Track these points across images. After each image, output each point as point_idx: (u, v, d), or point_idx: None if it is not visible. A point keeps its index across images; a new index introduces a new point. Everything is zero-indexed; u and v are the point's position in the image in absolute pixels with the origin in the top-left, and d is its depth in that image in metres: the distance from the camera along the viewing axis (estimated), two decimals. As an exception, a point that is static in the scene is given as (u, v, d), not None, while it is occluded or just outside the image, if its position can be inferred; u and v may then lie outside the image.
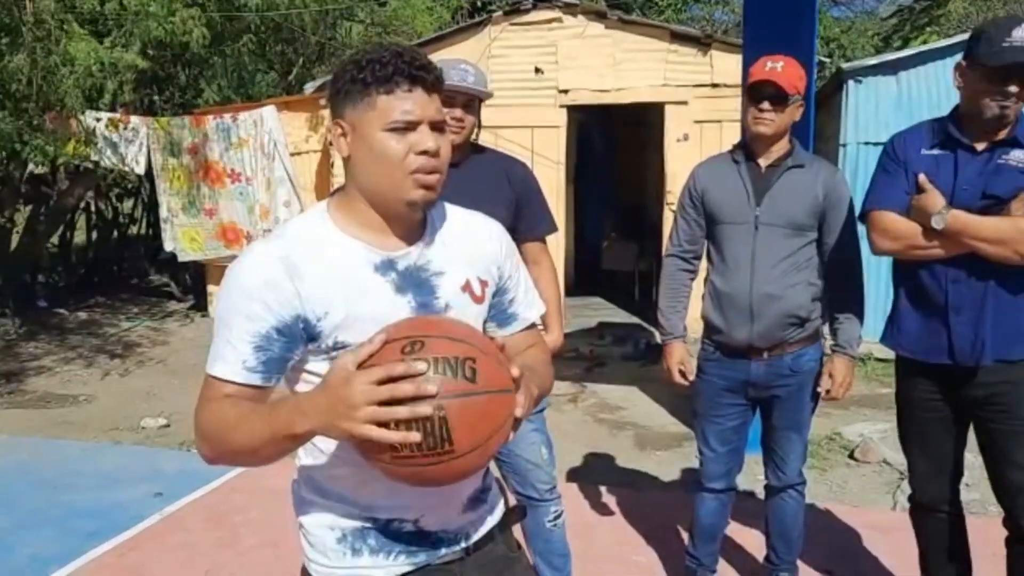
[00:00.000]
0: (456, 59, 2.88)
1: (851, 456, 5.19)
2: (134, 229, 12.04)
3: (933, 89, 7.83)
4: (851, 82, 8.06)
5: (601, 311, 9.94)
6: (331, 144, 8.57)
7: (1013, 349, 2.47)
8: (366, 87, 1.38)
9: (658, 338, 3.11)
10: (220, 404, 1.39)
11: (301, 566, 1.56)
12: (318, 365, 1.44)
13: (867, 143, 8.01)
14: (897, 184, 2.57)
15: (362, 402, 1.19)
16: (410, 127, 1.39)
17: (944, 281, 2.49)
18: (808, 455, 5.07)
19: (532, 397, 1.38)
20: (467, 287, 1.54)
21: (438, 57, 6.76)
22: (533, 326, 1.72)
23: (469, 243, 1.58)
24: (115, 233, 11.64)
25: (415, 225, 1.51)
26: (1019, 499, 2.53)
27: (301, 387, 1.47)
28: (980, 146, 2.47)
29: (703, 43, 8.16)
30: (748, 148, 2.90)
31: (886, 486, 4.71)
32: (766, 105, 2.78)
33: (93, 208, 11.12)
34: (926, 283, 2.54)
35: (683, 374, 3.01)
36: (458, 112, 2.68)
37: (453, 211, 1.63)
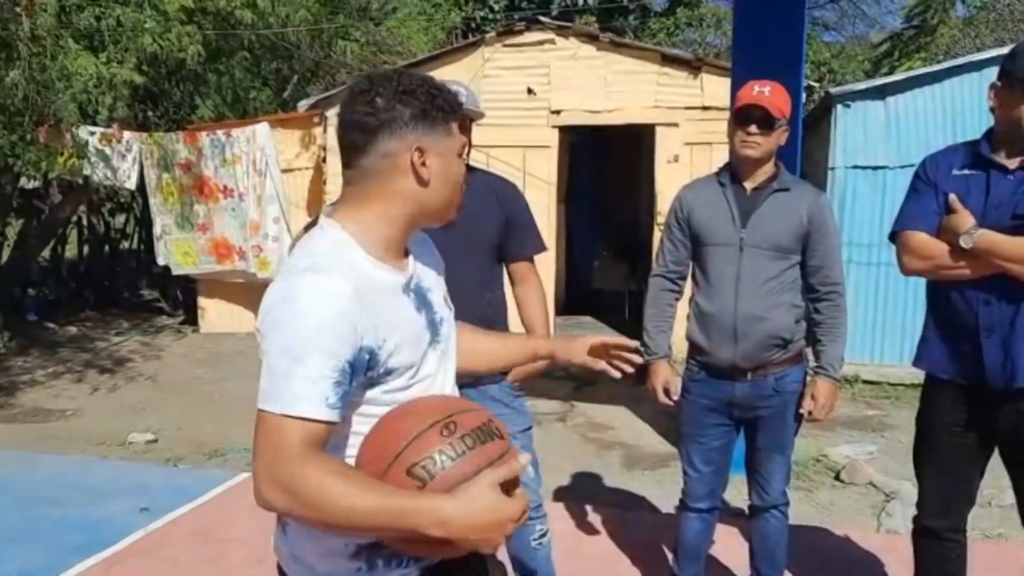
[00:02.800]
0: (449, 80, 2.92)
1: (837, 477, 5.22)
2: (126, 244, 12.05)
3: (920, 114, 7.91)
4: (839, 106, 8.14)
5: (592, 330, 9.96)
6: (323, 161, 8.60)
7: None
8: (446, 115, 1.49)
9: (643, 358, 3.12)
10: (311, 463, 1.30)
11: None
12: (356, 391, 1.42)
13: (855, 167, 8.09)
14: (927, 204, 2.58)
15: (511, 519, 1.32)
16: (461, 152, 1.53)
17: (975, 302, 2.49)
18: (794, 476, 5.13)
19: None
20: (446, 300, 1.64)
21: (433, 76, 6.75)
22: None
23: (429, 256, 1.66)
24: (107, 248, 11.64)
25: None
26: None
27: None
28: (1012, 165, 2.47)
29: (694, 66, 8.25)
30: (734, 171, 2.94)
31: (871, 508, 4.73)
32: (753, 129, 2.82)
33: (85, 223, 11.12)
34: (957, 304, 2.54)
35: (668, 394, 3.03)
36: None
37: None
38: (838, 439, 6.05)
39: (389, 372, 1.43)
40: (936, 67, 8.39)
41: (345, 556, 1.45)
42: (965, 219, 2.45)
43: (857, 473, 5.18)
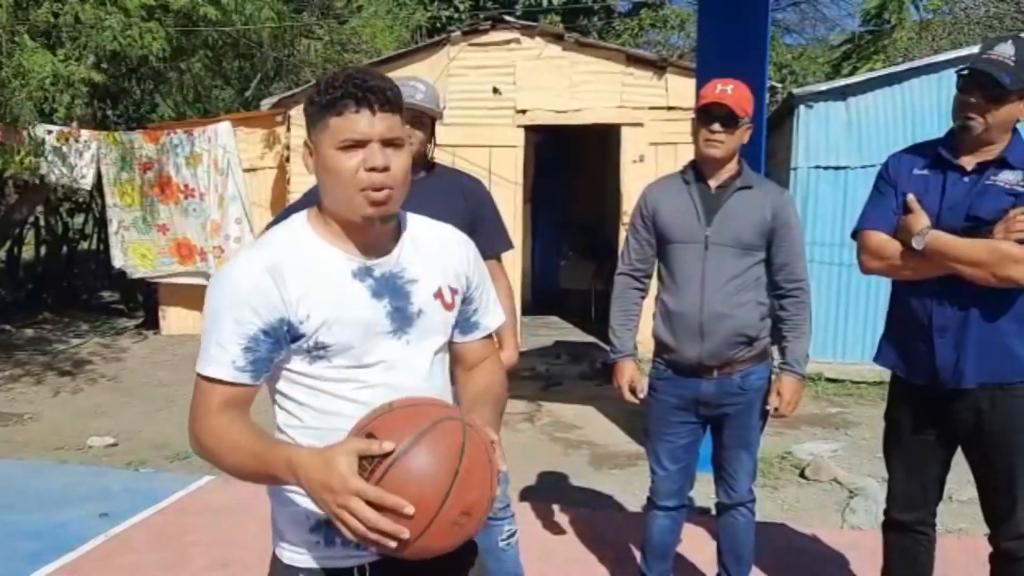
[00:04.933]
0: (408, 76, 2.89)
1: (802, 475, 5.26)
2: (85, 245, 11.83)
3: (881, 114, 8.02)
4: (802, 107, 8.22)
5: (558, 330, 9.98)
6: (287, 160, 8.54)
7: (996, 373, 2.48)
8: (321, 109, 1.49)
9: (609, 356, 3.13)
10: (217, 419, 1.48)
11: (272, 553, 1.60)
12: (299, 364, 1.54)
13: (817, 167, 8.17)
14: (887, 204, 2.60)
15: (347, 491, 1.29)
16: (359, 145, 1.47)
17: (929, 303, 2.52)
18: (760, 474, 5.16)
19: (498, 429, 1.58)
20: (439, 295, 1.62)
21: (394, 76, 6.73)
22: (489, 336, 1.80)
23: (441, 252, 1.66)
24: (65, 248, 11.43)
25: (389, 234, 1.59)
26: (1005, 525, 2.57)
27: (282, 384, 1.56)
28: (968, 166, 2.49)
29: (658, 67, 8.29)
30: (698, 169, 2.95)
31: (836, 504, 4.77)
32: (716, 127, 2.83)
33: (43, 223, 10.91)
34: (912, 304, 2.57)
35: (634, 392, 3.03)
36: (405, 128, 2.68)
37: (424, 222, 1.71)
38: (803, 437, 6.09)
39: (324, 347, 1.50)
40: (895, 69, 8.50)
41: (306, 528, 1.54)
42: (919, 220, 2.48)
43: (821, 470, 5.22)
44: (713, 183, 2.91)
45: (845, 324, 7.81)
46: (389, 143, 1.48)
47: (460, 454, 1.33)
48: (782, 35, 20.88)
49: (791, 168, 8.36)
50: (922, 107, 7.76)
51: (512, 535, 2.93)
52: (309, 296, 1.49)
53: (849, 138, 7.99)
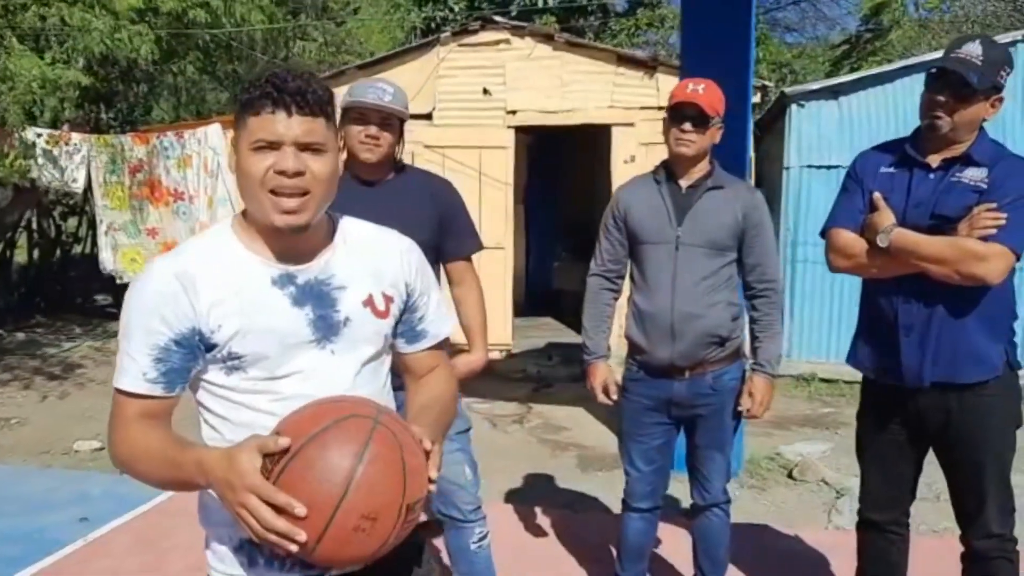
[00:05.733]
0: (376, 78, 2.89)
1: (790, 475, 5.24)
2: (78, 248, 11.81)
3: (874, 113, 7.99)
4: (794, 106, 8.20)
5: (551, 331, 9.96)
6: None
7: (961, 372, 2.46)
8: (242, 109, 1.45)
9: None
10: (131, 429, 1.45)
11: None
12: (216, 375, 1.49)
13: (810, 166, 8.16)
14: (854, 203, 2.59)
15: (246, 488, 1.26)
16: (272, 147, 1.42)
17: (895, 301, 2.50)
18: (747, 474, 5.17)
19: (440, 442, 1.50)
20: (369, 302, 1.56)
21: (381, 78, 6.74)
22: (441, 345, 1.74)
23: (376, 258, 1.61)
24: (58, 252, 11.42)
25: (318, 239, 1.54)
26: (974, 524, 2.55)
27: (202, 395, 1.52)
28: (934, 163, 2.47)
29: (649, 66, 8.27)
30: (670, 169, 2.93)
31: (823, 505, 4.75)
32: (687, 126, 2.81)
33: (35, 226, 10.90)
34: (880, 303, 2.55)
35: (607, 393, 3.01)
36: (372, 130, 2.67)
37: (364, 226, 1.66)
38: (793, 437, 6.07)
39: (238, 357, 1.46)
40: (887, 67, 8.47)
41: (230, 548, 1.51)
42: (884, 218, 2.46)
43: (809, 471, 5.20)
44: (684, 183, 2.90)
45: (839, 324, 7.78)
46: (306, 147, 1.43)
47: (360, 453, 1.26)
48: (782, 34, 20.87)
49: (783, 167, 8.35)
50: (914, 105, 7.54)
51: (483, 537, 2.91)
52: (222, 305, 1.44)
53: (841, 137, 7.96)
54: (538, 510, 4.39)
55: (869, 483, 2.74)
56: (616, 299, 3.09)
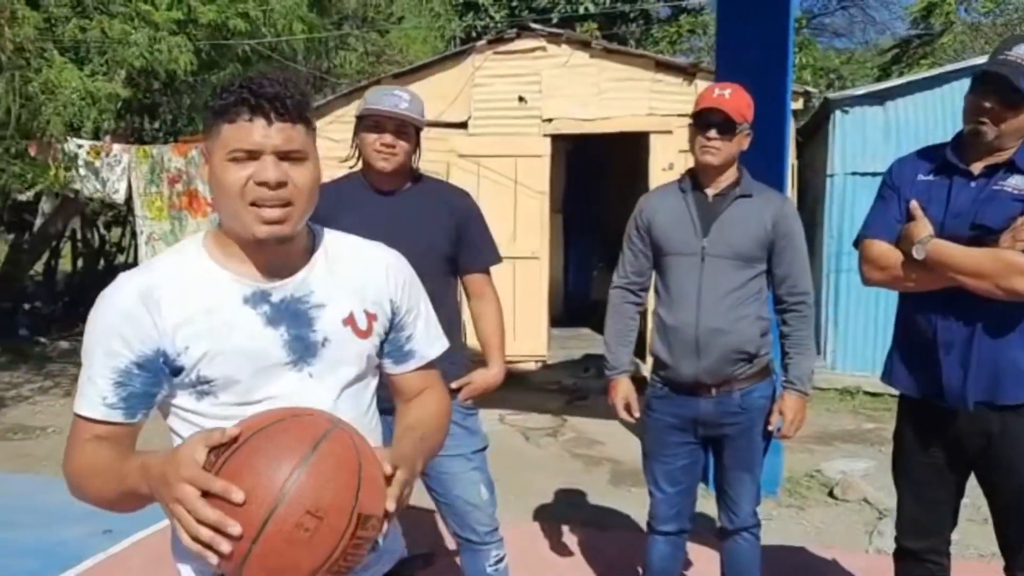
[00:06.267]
0: (391, 86, 2.81)
1: (830, 494, 5.04)
2: (122, 257, 11.97)
3: (921, 118, 7.76)
4: (838, 112, 8.01)
5: (589, 342, 9.80)
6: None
7: (1003, 392, 2.30)
8: (215, 116, 1.36)
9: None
10: (84, 447, 1.37)
11: None
12: (185, 399, 1.41)
13: (855, 173, 7.95)
14: (889, 212, 2.44)
15: (183, 480, 1.14)
16: (251, 156, 1.33)
17: (934, 317, 2.35)
18: (786, 492, 4.99)
19: (413, 474, 1.34)
20: (350, 320, 1.47)
21: (414, 87, 6.69)
22: (432, 365, 1.64)
23: (359, 273, 1.51)
24: (102, 261, 11.58)
25: (297, 254, 1.45)
26: (1018, 556, 2.40)
27: (172, 420, 1.44)
28: (976, 171, 2.32)
29: (688, 72, 8.11)
30: (695, 177, 2.81)
31: (864, 526, 4.55)
32: (713, 133, 2.68)
33: (79, 236, 11.06)
34: (917, 318, 2.41)
35: (629, 410, 2.90)
36: (388, 138, 2.60)
37: (347, 239, 1.57)
38: (835, 454, 5.87)
39: (206, 381, 1.37)
40: (936, 71, 8.23)
41: None
42: (921, 228, 2.31)
43: (850, 489, 5.00)
44: (710, 191, 2.77)
45: (884, 335, 7.52)
46: (286, 156, 1.34)
47: (314, 444, 1.15)
48: (829, 39, 20.55)
49: (827, 175, 8.15)
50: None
51: (500, 560, 2.80)
52: (189, 325, 1.36)
53: (887, 143, 7.74)
54: (565, 528, 4.27)
55: (905, 509, 2.58)
56: (640, 312, 2.97)
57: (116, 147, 8.69)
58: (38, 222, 9.63)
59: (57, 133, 7.22)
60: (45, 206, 9.68)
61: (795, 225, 2.77)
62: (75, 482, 1.37)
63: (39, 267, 10.64)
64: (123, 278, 1.41)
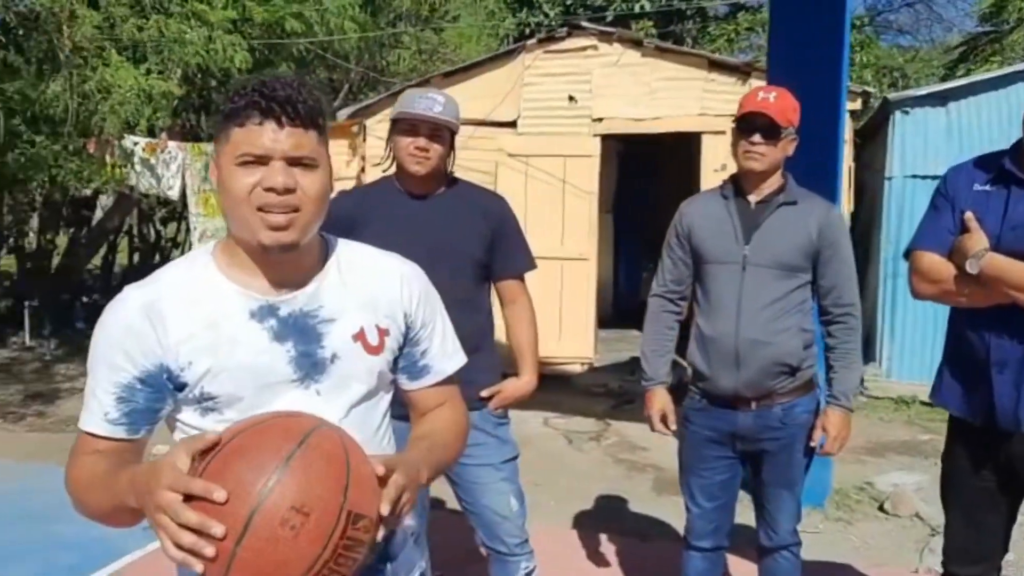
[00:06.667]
0: (425, 88, 2.78)
1: (881, 508, 4.89)
2: (177, 252, 12.19)
3: (985, 121, 7.49)
4: (897, 113, 7.77)
5: (636, 345, 9.67)
6: (363, 171, 8.52)
7: None
8: (225, 120, 1.32)
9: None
10: (84, 461, 1.36)
11: None
12: (190, 416, 1.38)
13: (914, 176, 7.71)
14: (942, 223, 2.33)
15: (162, 486, 1.11)
16: (260, 161, 1.29)
17: (987, 334, 2.23)
18: (834, 505, 4.84)
19: (414, 481, 1.27)
20: (360, 336, 1.42)
21: (464, 86, 6.66)
22: (450, 380, 1.59)
23: (372, 286, 1.46)
24: (157, 256, 11.79)
25: (307, 266, 1.41)
26: None
27: (178, 436, 1.41)
28: None
29: (743, 72, 7.94)
30: (738, 183, 2.72)
31: (914, 543, 4.40)
32: (757, 138, 2.59)
33: (135, 231, 11.28)
34: (969, 335, 2.30)
35: (665, 422, 2.82)
36: (422, 142, 2.56)
37: (361, 250, 1.52)
38: (887, 466, 5.70)
39: (210, 398, 1.34)
40: (1001, 72, 7.94)
41: None
42: (976, 241, 2.19)
43: (902, 504, 4.84)
44: (753, 198, 2.68)
45: (942, 344, 7.30)
46: (296, 162, 1.30)
47: (299, 442, 1.11)
48: (894, 37, 20.02)
49: (885, 177, 7.92)
50: (1033, 113, 7.20)
51: (530, 573, 2.74)
52: (192, 340, 1.33)
53: (950, 146, 7.48)
54: (603, 537, 4.20)
55: (953, 533, 2.46)
56: (679, 321, 2.89)
57: (171, 144, 8.81)
58: (96, 217, 9.83)
59: (113, 131, 7.34)
60: (104, 202, 9.87)
61: (841, 234, 2.66)
62: (74, 496, 1.36)
63: (97, 261, 10.86)
64: (128, 291, 1.39)
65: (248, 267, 1.38)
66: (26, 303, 8.96)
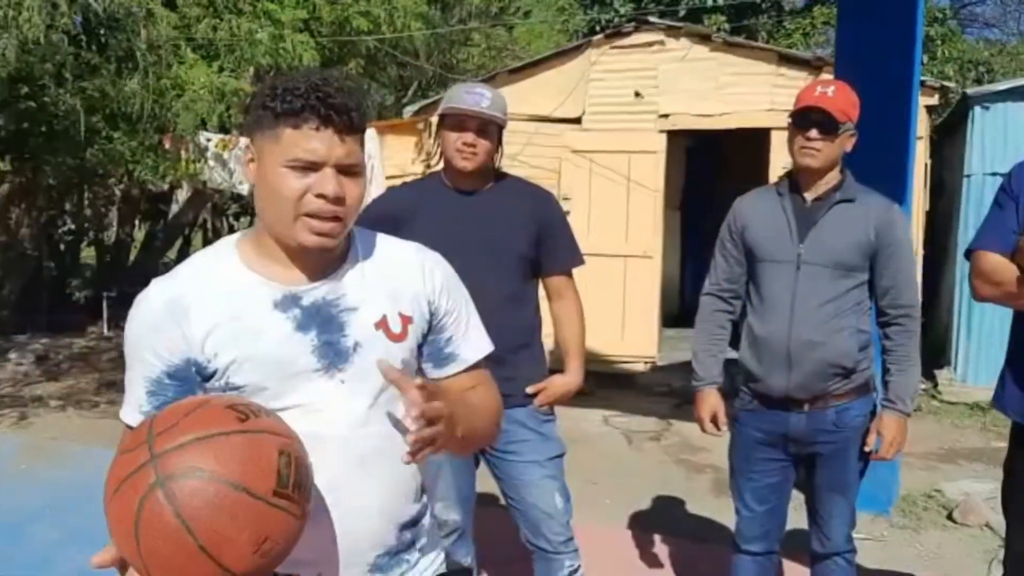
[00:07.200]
0: (473, 83, 2.77)
1: (949, 517, 4.72)
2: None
3: (1073, 116, 7.18)
4: (977, 108, 7.50)
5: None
6: (428, 168, 8.59)
7: None
8: (276, 117, 1.31)
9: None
10: None
11: None
12: None
13: (994, 174, 7.42)
14: (1006, 221, 2.24)
15: None
16: (312, 167, 1.30)
17: None
18: (900, 513, 4.70)
19: (450, 421, 1.30)
20: (383, 324, 1.43)
21: (531, 82, 6.65)
22: (478, 367, 1.58)
23: (395, 275, 1.47)
24: (231, 250, 12.09)
25: (331, 257, 1.42)
26: None
27: None
28: None
29: (814, 66, 7.76)
30: (794, 180, 2.65)
31: (983, 554, 4.24)
32: (814, 133, 2.52)
33: (209, 225, 11.57)
34: None
35: (716, 424, 2.77)
36: (469, 137, 2.55)
37: (384, 240, 1.53)
38: (959, 473, 5.50)
39: (236, 388, 1.35)
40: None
41: None
42: None
43: (972, 513, 4.66)
44: (809, 196, 2.61)
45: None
46: (346, 170, 1.32)
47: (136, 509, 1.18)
48: (980, 30, 19.36)
49: (964, 175, 7.66)
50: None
51: (575, 571, 2.72)
52: (217, 331, 1.34)
53: (1032, 142, 7.20)
54: (657, 537, 4.15)
55: (1015, 548, 2.36)
56: (731, 321, 2.83)
57: (243, 140, 9.01)
58: (172, 211, 10.12)
59: (186, 127, 7.54)
60: (180, 196, 10.15)
61: (901, 233, 2.58)
62: None
63: (172, 254, 11.17)
64: (153, 287, 1.41)
65: (276, 258, 1.39)
66: (105, 294, 9.26)
